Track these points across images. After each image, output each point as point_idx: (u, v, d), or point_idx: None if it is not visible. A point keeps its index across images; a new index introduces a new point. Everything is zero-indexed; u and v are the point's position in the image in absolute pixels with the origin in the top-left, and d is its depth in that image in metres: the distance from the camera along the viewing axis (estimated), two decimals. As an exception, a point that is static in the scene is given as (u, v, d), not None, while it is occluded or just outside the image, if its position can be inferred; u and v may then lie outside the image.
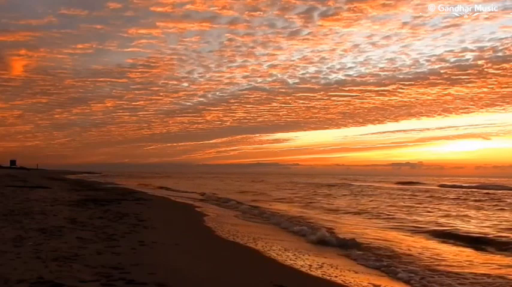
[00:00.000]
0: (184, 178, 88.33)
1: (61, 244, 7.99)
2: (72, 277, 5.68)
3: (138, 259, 7.11)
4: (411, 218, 17.58)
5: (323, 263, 8.62)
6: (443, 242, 12.10)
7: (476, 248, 11.08)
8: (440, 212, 20.87)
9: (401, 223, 16.13)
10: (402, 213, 19.95)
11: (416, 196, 34.27)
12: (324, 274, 7.62)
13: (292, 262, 8.58)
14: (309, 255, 9.52)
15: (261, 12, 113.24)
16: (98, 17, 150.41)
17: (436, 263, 9.11)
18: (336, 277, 7.50)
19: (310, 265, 8.34)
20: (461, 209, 22.67)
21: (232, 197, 28.66)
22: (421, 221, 16.54)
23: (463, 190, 46.77)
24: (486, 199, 30.57)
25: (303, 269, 7.93)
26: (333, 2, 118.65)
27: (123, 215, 13.63)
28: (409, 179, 76.39)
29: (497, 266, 8.99)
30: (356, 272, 8.10)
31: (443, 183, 65.53)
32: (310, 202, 26.06)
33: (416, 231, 13.98)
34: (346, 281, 7.21)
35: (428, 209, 22.50)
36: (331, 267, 8.33)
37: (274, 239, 11.53)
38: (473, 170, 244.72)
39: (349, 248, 10.55)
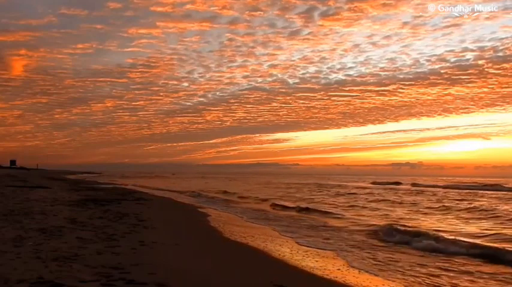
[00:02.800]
0: (180, 178, 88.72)
1: (61, 244, 7.99)
2: (72, 277, 5.68)
3: (138, 259, 7.10)
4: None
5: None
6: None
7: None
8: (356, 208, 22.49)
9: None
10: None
11: (371, 194, 34.57)
12: (324, 274, 7.63)
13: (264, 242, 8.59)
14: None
15: (261, 12, 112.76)
16: (98, 17, 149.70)
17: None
18: (336, 277, 7.52)
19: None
20: (386, 207, 23.51)
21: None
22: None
23: (430, 189, 46.15)
24: (444, 199, 29.91)
25: (304, 268, 7.93)
26: (333, 1, 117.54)
27: (123, 215, 13.63)
28: (394, 179, 74.94)
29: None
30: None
31: (417, 183, 64.23)
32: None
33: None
34: (347, 281, 7.22)
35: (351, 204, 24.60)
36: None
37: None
38: (473, 170, 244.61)
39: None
